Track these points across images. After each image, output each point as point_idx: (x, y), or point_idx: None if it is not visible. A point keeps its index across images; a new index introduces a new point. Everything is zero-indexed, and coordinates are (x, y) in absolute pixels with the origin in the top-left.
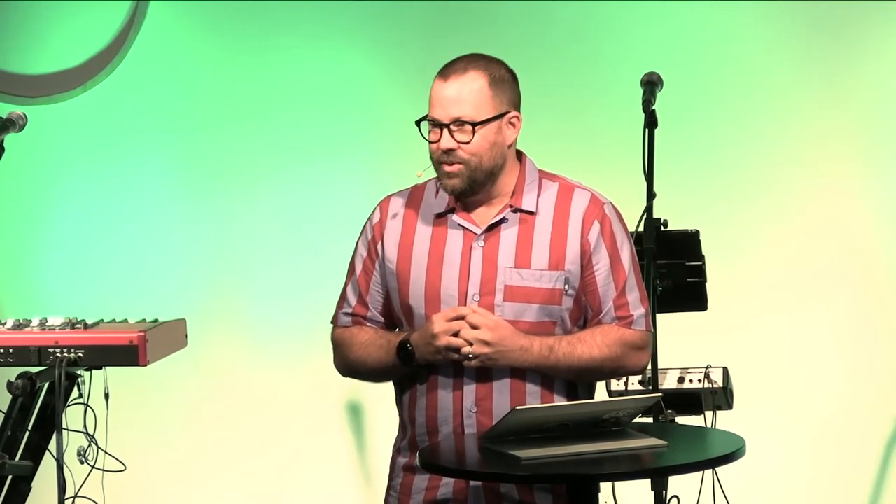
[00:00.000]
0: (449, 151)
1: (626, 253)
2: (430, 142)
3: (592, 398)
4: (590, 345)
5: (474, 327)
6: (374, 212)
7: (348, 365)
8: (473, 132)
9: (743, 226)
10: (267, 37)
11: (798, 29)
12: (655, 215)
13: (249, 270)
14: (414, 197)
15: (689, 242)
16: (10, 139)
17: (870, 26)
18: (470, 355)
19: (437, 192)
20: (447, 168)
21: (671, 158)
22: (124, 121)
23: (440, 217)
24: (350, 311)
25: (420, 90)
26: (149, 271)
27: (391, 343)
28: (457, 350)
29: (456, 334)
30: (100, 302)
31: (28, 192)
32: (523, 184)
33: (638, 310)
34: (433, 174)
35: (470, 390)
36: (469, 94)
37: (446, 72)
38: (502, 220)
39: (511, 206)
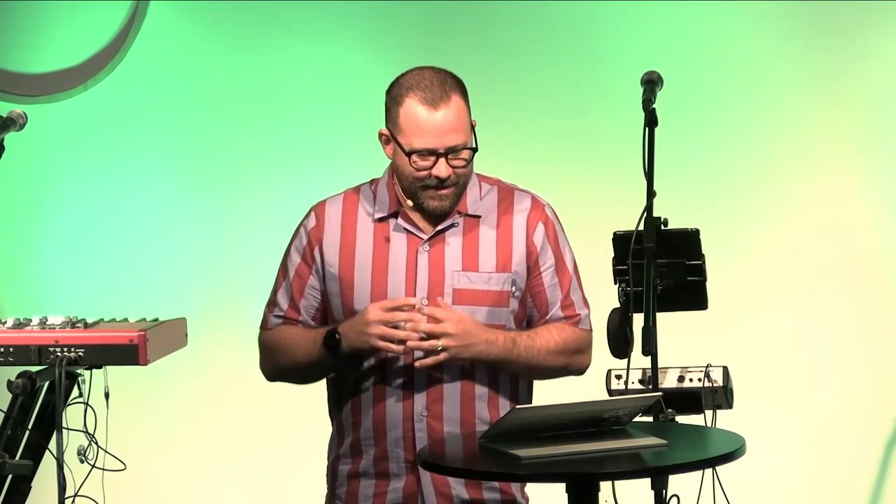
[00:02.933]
0: (444, 178)
1: (567, 254)
2: (418, 170)
3: (531, 402)
4: (546, 339)
5: (438, 321)
6: (307, 217)
7: (275, 364)
8: (470, 156)
9: (743, 225)
10: (267, 37)
11: (798, 29)
12: (655, 214)
13: (249, 270)
14: (349, 202)
15: (689, 241)
16: (10, 138)
17: (870, 26)
18: (440, 348)
19: (375, 197)
20: (441, 192)
21: (671, 157)
22: (124, 120)
23: (381, 221)
24: (282, 314)
25: None
26: (149, 271)
27: (319, 334)
28: (391, 341)
29: (396, 326)
30: (100, 301)
31: (28, 191)
32: (466, 187)
33: (583, 310)
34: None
35: (421, 395)
36: (459, 120)
37: (428, 97)
38: (452, 225)
39: (458, 212)
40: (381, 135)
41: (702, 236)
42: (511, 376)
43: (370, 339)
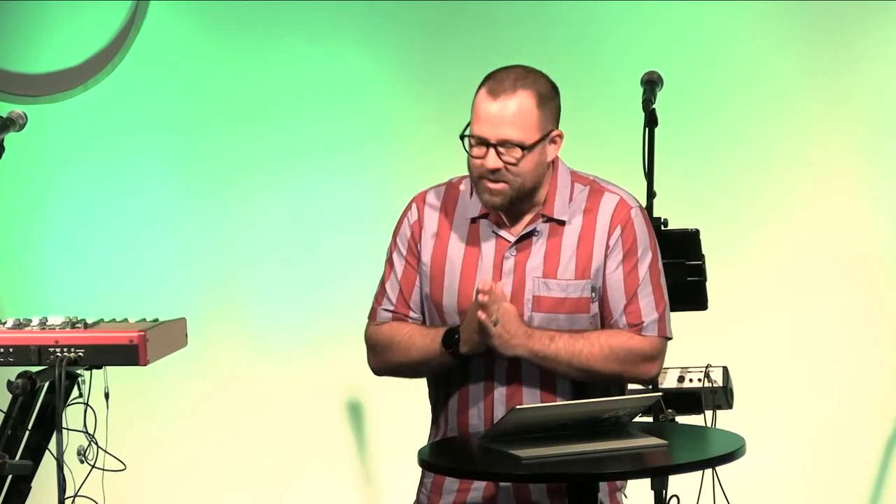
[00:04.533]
0: (494, 171)
1: (645, 258)
2: (473, 157)
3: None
4: (591, 342)
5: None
6: (410, 209)
7: (388, 361)
8: (522, 155)
9: (743, 225)
10: (267, 36)
11: (798, 28)
12: (655, 214)
13: (250, 270)
14: (450, 195)
15: (689, 242)
16: (10, 138)
17: (870, 26)
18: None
19: (472, 193)
20: (491, 185)
21: (671, 157)
22: (124, 120)
23: (474, 221)
24: (391, 308)
25: (421, 90)
26: (149, 271)
27: (438, 333)
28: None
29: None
30: (100, 301)
31: (28, 191)
32: (555, 191)
33: (650, 315)
34: None
35: (501, 398)
36: (518, 116)
37: (494, 87)
38: (534, 231)
39: (542, 216)
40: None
41: (702, 236)
42: (595, 385)
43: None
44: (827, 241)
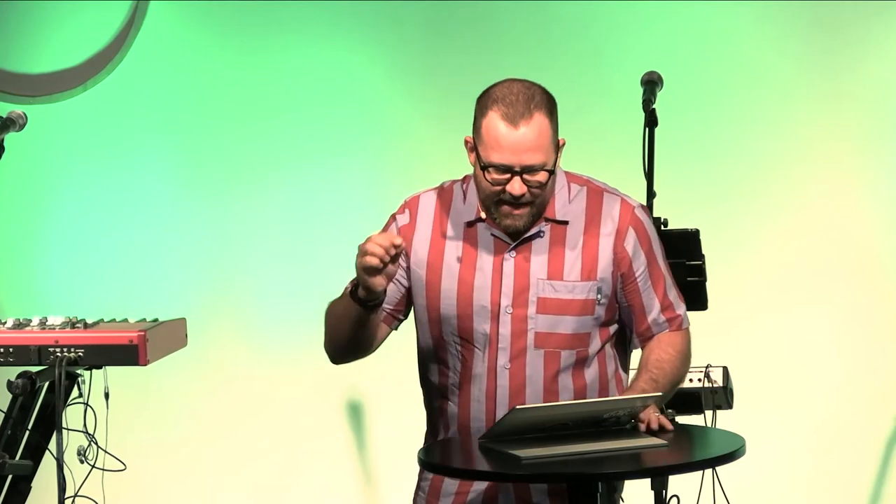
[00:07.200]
0: (519, 196)
1: (659, 254)
2: (493, 184)
3: None
4: (669, 359)
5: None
6: (401, 211)
7: (327, 337)
8: (547, 178)
9: (743, 225)
10: (267, 37)
11: (798, 28)
12: (655, 214)
13: (250, 270)
14: (443, 200)
15: (689, 241)
16: (10, 138)
17: (870, 25)
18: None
19: (465, 198)
20: (515, 211)
21: (671, 157)
22: (125, 120)
23: (470, 225)
24: None
25: (420, 90)
26: (149, 271)
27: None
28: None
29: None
30: (100, 301)
31: (28, 191)
32: (553, 192)
33: (681, 307)
34: None
35: (503, 401)
36: (539, 139)
37: (510, 113)
38: (538, 233)
39: (545, 218)
40: (466, 142)
41: (702, 236)
42: (595, 389)
43: (359, 264)
44: (827, 241)
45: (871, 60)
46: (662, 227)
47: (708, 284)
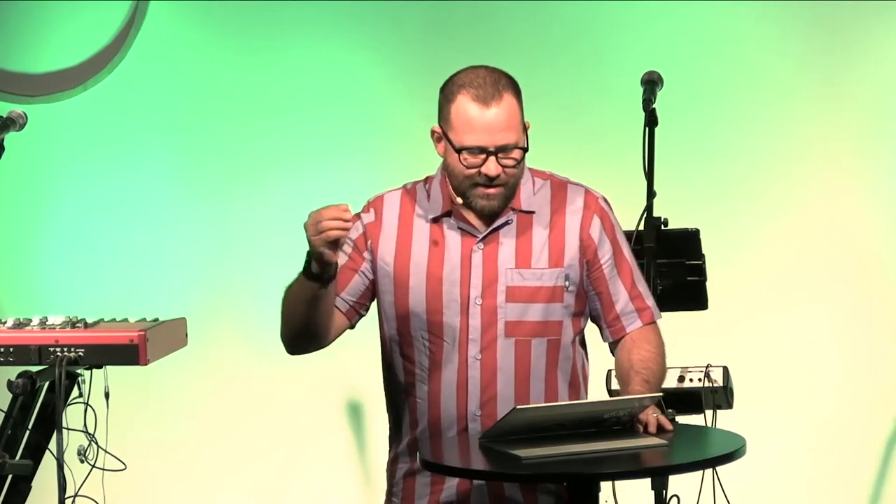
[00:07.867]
0: (494, 177)
1: (625, 245)
2: (468, 167)
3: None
4: (651, 369)
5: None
6: (366, 210)
7: (283, 326)
8: (521, 156)
9: (743, 224)
10: (267, 37)
11: (798, 28)
12: (655, 214)
13: (250, 270)
14: (407, 199)
15: (689, 241)
16: (10, 138)
17: (870, 26)
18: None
19: (429, 196)
20: (489, 191)
21: (671, 157)
22: (125, 120)
23: (436, 221)
24: None
25: (420, 90)
26: (149, 271)
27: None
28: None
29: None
30: (100, 301)
31: (28, 191)
32: (519, 183)
33: (650, 299)
34: None
35: (475, 394)
36: (511, 119)
37: (480, 94)
38: (506, 222)
39: (512, 209)
40: (433, 132)
41: (702, 236)
42: (566, 380)
43: (318, 239)
44: (827, 241)
45: (870, 61)
46: (662, 227)
47: (708, 284)
